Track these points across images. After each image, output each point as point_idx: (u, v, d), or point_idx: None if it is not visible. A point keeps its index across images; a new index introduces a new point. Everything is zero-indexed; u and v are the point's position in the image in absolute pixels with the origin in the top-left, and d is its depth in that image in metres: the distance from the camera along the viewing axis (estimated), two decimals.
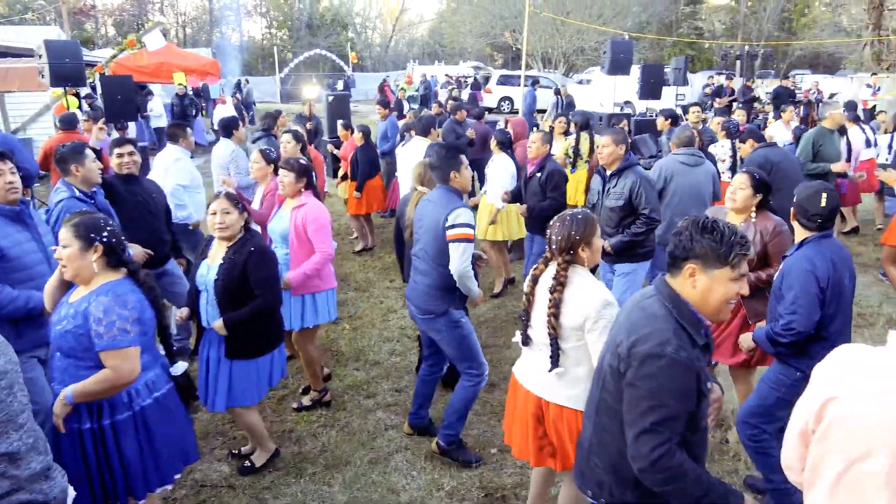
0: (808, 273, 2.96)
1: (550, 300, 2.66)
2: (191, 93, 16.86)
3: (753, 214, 3.72)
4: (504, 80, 26.26)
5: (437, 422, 4.05)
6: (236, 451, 3.94)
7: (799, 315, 2.94)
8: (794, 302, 2.96)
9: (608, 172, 4.64)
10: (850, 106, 9.62)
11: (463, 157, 3.70)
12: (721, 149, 7.61)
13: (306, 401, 4.46)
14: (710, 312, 2.01)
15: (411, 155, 6.24)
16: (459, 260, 3.45)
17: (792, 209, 3.14)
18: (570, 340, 2.68)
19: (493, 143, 6.36)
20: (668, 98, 16.39)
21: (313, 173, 5.62)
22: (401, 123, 9.34)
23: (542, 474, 3.21)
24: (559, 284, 2.65)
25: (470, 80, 25.70)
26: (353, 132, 7.97)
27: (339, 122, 9.19)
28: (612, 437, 2.12)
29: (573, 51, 36.07)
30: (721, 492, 1.94)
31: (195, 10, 47.69)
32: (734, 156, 6.95)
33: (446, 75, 27.45)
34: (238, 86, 22.25)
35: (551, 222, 2.77)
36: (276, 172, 4.72)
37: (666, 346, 1.91)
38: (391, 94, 22.67)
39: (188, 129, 5.76)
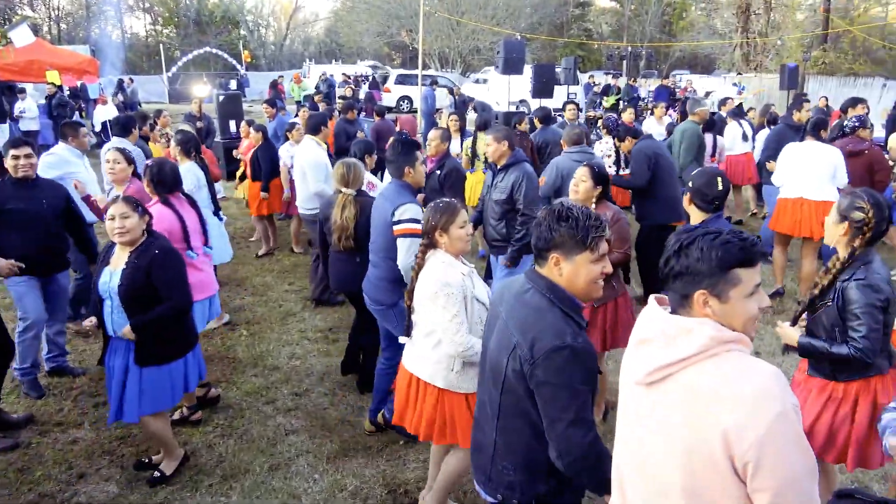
0: None
1: (411, 277, 3.02)
2: (67, 93, 15.77)
3: (594, 205, 3.99)
4: (402, 80, 26.30)
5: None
6: (146, 460, 3.78)
7: None
8: None
9: (498, 167, 4.80)
10: (723, 103, 10.35)
11: (418, 154, 3.85)
12: (605, 145, 7.99)
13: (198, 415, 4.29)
14: (580, 294, 2.07)
15: (303, 154, 6.13)
16: (406, 254, 3.59)
17: (687, 194, 3.34)
18: (419, 315, 2.99)
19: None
20: (560, 96, 17.01)
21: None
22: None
23: (438, 453, 3.33)
24: (416, 265, 2.98)
25: (369, 80, 25.56)
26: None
27: (244, 120, 8.88)
28: (520, 437, 2.13)
29: (469, 50, 36.66)
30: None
31: (70, 5, 44.43)
32: (618, 151, 7.31)
33: (343, 74, 27.15)
34: (120, 85, 21.01)
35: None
36: (136, 174, 4.58)
37: (565, 338, 1.94)
38: (285, 94, 22.19)
39: (81, 128, 5.43)
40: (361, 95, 19.31)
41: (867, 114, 7.64)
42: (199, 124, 9.55)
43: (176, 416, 4.20)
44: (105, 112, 14.36)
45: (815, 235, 5.78)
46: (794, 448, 1.45)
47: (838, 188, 5.80)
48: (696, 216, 3.35)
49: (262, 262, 7.53)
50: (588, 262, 2.03)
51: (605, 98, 18.16)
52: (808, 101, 10.30)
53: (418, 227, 3.55)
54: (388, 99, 24.83)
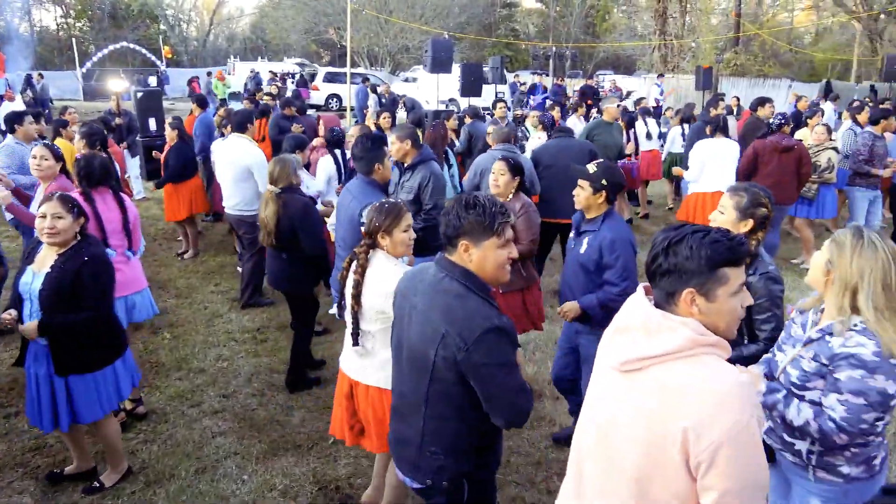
0: (629, 242, 3.36)
1: (352, 281, 2.82)
2: None
3: (511, 196, 4.14)
4: (331, 78, 26.01)
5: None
6: (58, 471, 3.62)
7: (630, 281, 3.31)
8: (626, 268, 3.31)
9: (404, 166, 4.73)
10: (637, 103, 10.85)
11: (387, 149, 3.87)
12: (539, 141, 8.20)
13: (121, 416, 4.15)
14: (489, 278, 2.17)
15: (227, 152, 5.99)
16: None
17: (601, 192, 3.39)
18: (376, 323, 2.82)
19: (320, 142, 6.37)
20: (489, 95, 17.24)
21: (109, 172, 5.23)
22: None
23: (382, 462, 3.30)
24: (359, 267, 2.80)
25: (296, 77, 25.13)
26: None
27: (172, 117, 8.54)
28: (448, 422, 2.18)
29: (398, 49, 36.60)
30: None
31: None
32: None
33: (270, 72, 26.59)
34: (28, 80, 19.88)
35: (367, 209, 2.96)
36: (62, 171, 4.43)
37: (492, 319, 2.03)
38: (200, 91, 21.57)
39: None
40: (289, 93, 18.98)
41: (774, 113, 8.14)
42: (117, 121, 9.10)
43: None
44: (13, 108, 13.56)
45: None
46: (748, 458, 1.49)
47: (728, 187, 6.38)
48: (600, 209, 3.43)
49: (186, 264, 7.32)
50: (495, 248, 2.12)
51: (531, 97, 18.54)
52: (724, 100, 10.91)
53: None
54: (316, 97, 24.51)
